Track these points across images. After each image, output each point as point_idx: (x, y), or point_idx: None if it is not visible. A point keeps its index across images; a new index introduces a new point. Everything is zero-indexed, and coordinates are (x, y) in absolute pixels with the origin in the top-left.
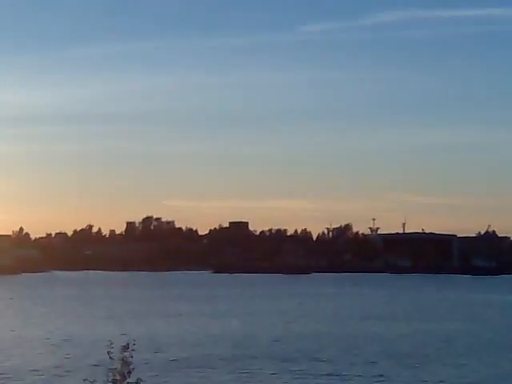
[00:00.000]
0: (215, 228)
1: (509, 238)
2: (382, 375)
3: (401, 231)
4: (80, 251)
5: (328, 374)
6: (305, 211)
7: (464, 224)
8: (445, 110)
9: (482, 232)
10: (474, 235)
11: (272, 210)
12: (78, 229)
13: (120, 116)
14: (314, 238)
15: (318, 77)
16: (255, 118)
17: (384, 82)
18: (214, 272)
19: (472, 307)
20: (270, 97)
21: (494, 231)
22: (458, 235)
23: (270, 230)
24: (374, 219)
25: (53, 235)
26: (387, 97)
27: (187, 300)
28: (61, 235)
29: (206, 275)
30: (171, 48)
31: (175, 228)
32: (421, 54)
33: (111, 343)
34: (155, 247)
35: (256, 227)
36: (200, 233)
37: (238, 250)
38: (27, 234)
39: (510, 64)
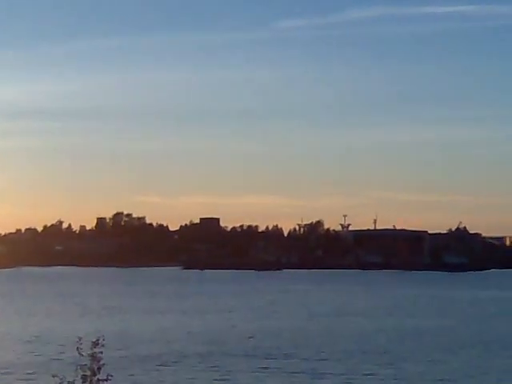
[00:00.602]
0: (186, 224)
1: (480, 234)
2: (356, 372)
3: (372, 228)
4: (50, 247)
5: (302, 371)
6: (276, 207)
7: (435, 221)
8: (419, 107)
9: (454, 229)
10: (445, 232)
11: (243, 206)
12: (48, 224)
13: (92, 111)
14: (286, 234)
15: (291, 73)
16: (226, 114)
17: (357, 79)
18: (185, 268)
19: (444, 303)
20: (241, 93)
21: (465, 228)
22: (430, 232)
23: (241, 227)
24: (345, 216)
25: (22, 231)
26: (360, 93)
27: (158, 296)
28: (30, 231)
29: (176, 271)
30: (140, 44)
31: (146, 224)
32: (392, 51)
33: (80, 339)
34: (126, 243)
35: (227, 223)
36: (171, 229)
37: (208, 246)
38: None
39: (482, 61)
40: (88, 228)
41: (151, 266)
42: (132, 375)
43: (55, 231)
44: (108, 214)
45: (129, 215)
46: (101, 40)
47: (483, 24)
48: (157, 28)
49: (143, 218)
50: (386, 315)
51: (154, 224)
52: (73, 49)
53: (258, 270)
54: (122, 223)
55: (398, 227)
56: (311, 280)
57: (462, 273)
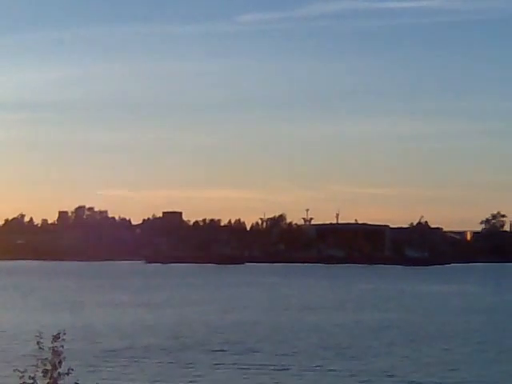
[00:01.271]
0: (149, 218)
1: (441, 229)
2: (319, 366)
3: (334, 222)
4: (12, 241)
5: (265, 365)
6: (239, 201)
7: (397, 215)
8: (381, 100)
9: (415, 223)
10: (406, 226)
11: (206, 200)
12: (10, 218)
13: (52, 104)
14: (248, 228)
15: (253, 66)
16: (188, 107)
17: (320, 72)
18: (147, 262)
19: (405, 297)
20: (204, 85)
21: (426, 222)
22: (391, 226)
23: (204, 220)
24: (307, 210)
25: None
26: (323, 87)
27: (121, 290)
28: None
29: (139, 265)
30: (100, 35)
31: (108, 217)
32: (353, 45)
33: (41, 333)
34: (88, 237)
35: (190, 217)
36: (133, 222)
37: (171, 240)
38: None
39: (442, 56)
40: (50, 221)
41: (114, 260)
42: (94, 369)
43: (17, 225)
44: (70, 208)
45: (91, 209)
46: (60, 31)
47: (444, 19)
48: (118, 18)
49: (105, 212)
50: (348, 309)
51: (117, 218)
52: (30, 39)
53: (221, 264)
54: (85, 217)
55: (359, 221)
56: (274, 274)
57: (423, 267)
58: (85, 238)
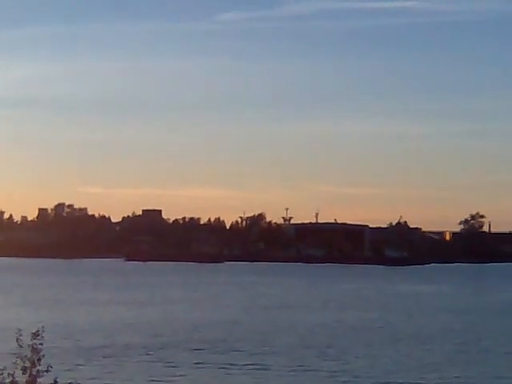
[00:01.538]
0: (128, 216)
1: (420, 229)
2: (299, 365)
3: (314, 221)
4: None
5: (245, 365)
6: (219, 200)
7: (376, 215)
8: (357, 100)
9: (394, 223)
10: (385, 226)
11: (186, 199)
12: None
13: (32, 101)
14: (228, 226)
15: (231, 65)
16: (169, 105)
17: (298, 72)
18: (127, 260)
19: (385, 297)
20: (185, 84)
21: (405, 222)
22: (370, 226)
23: (184, 219)
24: (287, 209)
25: None
26: (305, 87)
27: (101, 288)
28: None
29: (118, 263)
30: (76, 32)
31: (88, 215)
32: (327, 45)
33: (20, 330)
34: (67, 234)
35: (169, 215)
36: (113, 220)
37: (150, 238)
38: None
39: (416, 56)
40: (30, 219)
41: (93, 258)
42: (74, 367)
43: None
44: (50, 205)
45: (70, 206)
46: (33, 28)
47: (418, 20)
48: (95, 16)
49: (85, 209)
50: (328, 309)
51: (96, 215)
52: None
53: (200, 263)
54: (64, 214)
55: (339, 221)
56: (253, 272)
57: (402, 267)
58: (64, 235)
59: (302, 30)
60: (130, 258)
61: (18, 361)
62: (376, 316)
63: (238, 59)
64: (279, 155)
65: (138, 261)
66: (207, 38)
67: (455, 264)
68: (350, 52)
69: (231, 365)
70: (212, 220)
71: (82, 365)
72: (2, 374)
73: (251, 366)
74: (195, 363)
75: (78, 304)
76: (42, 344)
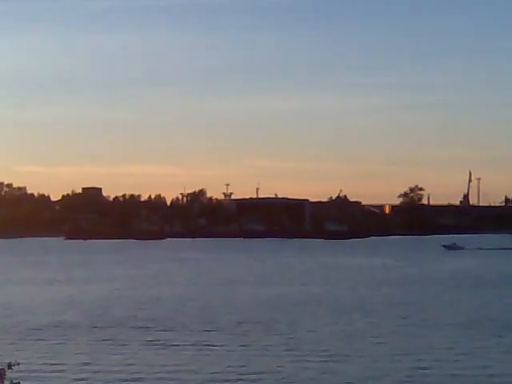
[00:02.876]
0: (68, 194)
1: (360, 202)
2: (245, 342)
3: (254, 196)
4: None
5: (190, 342)
6: (159, 177)
7: (316, 189)
8: (291, 75)
9: (334, 197)
10: (326, 200)
11: (126, 176)
12: None
13: None
14: (169, 203)
15: (168, 42)
16: (109, 82)
17: (234, 48)
18: (67, 238)
19: (327, 270)
20: (125, 60)
21: (345, 196)
22: (311, 200)
23: (124, 196)
24: (227, 184)
25: None
26: (244, 62)
27: (41, 267)
28: None
29: (59, 241)
30: (16, 10)
31: (27, 194)
32: (265, 21)
33: None
34: (6, 213)
35: (110, 193)
36: (52, 199)
37: (91, 216)
38: None
39: (363, 26)
40: None
41: (33, 237)
42: (17, 347)
43: None
44: None
45: (9, 185)
46: None
47: None
48: None
49: (24, 188)
50: (271, 283)
51: (36, 194)
52: None
53: (141, 240)
54: (3, 193)
55: (279, 196)
56: (195, 248)
57: (342, 240)
58: (3, 214)
59: (233, 4)
60: (70, 236)
61: None
62: (319, 289)
63: (175, 36)
64: (220, 131)
65: (79, 239)
66: (149, 13)
67: (395, 237)
68: (286, 25)
69: (177, 342)
70: (153, 197)
71: (23, 345)
72: None
73: (197, 343)
74: (140, 341)
75: (18, 283)
76: None
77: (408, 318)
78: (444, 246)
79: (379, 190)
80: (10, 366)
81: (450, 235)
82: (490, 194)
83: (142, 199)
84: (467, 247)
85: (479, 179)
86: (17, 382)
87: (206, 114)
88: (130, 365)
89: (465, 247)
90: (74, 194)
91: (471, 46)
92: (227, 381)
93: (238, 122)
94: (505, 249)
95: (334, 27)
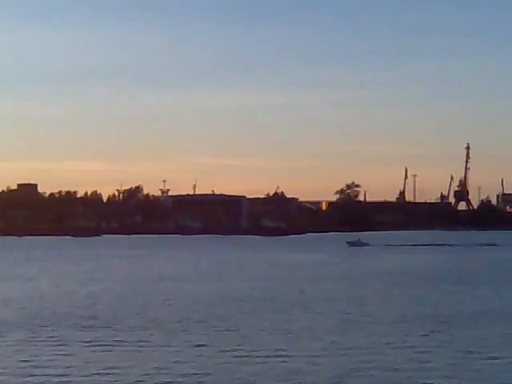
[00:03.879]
0: (3, 190)
1: (296, 199)
2: (183, 340)
3: (191, 193)
4: None
5: (125, 341)
6: (96, 173)
7: (253, 186)
8: (233, 72)
9: (271, 193)
10: (263, 197)
11: (62, 172)
12: None
13: None
14: (105, 199)
15: (100, 38)
16: (37, 79)
17: (168, 45)
18: (1, 235)
19: (264, 267)
20: (58, 56)
21: (282, 193)
22: (248, 196)
23: (60, 192)
24: (164, 181)
25: None
26: (180, 60)
27: None
28: None
29: None
30: None
31: None
32: (199, 19)
33: None
34: None
35: (45, 189)
36: None
37: (26, 213)
38: None
39: (283, 26)
40: None
41: None
42: None
43: None
44: None
45: None
46: None
47: None
48: None
49: None
50: (208, 279)
51: None
52: None
53: (77, 236)
54: None
55: (216, 192)
56: (130, 245)
57: (279, 236)
58: None
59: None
60: (4, 232)
61: None
62: (256, 286)
63: (113, 31)
64: (156, 127)
65: (13, 235)
66: (84, 8)
67: (331, 233)
68: (215, 24)
69: (114, 340)
70: (89, 193)
71: None
72: None
73: (135, 341)
74: (77, 339)
75: None
76: None
77: (348, 312)
78: (348, 242)
79: (316, 186)
80: None
81: (387, 232)
82: (427, 191)
83: (78, 196)
84: (373, 244)
85: (415, 176)
86: None
87: (142, 111)
88: (66, 364)
89: (370, 244)
90: (9, 191)
91: (402, 45)
92: (165, 379)
93: (174, 119)
94: (416, 245)
95: (253, 26)
